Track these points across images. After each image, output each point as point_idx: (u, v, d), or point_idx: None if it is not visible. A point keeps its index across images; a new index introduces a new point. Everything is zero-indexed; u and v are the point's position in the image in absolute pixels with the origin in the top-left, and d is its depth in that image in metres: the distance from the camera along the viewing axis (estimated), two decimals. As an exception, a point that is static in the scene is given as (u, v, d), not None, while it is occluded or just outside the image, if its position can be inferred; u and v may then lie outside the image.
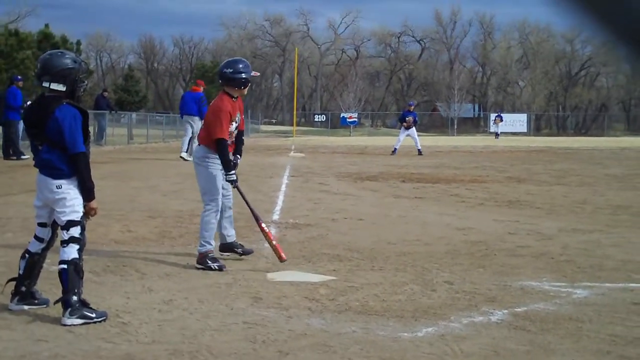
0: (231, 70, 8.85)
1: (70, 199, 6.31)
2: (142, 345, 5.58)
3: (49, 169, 6.35)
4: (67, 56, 6.57)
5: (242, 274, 8.22)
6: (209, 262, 8.49)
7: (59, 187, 6.28)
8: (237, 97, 8.97)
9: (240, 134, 9.17)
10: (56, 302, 6.18)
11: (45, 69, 6.43)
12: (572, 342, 5.80)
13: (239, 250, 9.04)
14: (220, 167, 8.72)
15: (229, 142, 8.79)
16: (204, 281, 7.85)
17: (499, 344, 5.72)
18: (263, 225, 9.05)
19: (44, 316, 6.34)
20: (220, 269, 8.39)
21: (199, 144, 9.11)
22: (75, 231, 6.27)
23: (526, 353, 5.51)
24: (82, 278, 6.25)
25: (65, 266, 6.16)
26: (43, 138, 6.41)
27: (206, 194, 8.86)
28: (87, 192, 6.41)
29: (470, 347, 5.61)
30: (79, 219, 6.32)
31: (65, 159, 6.33)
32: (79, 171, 6.34)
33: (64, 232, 6.28)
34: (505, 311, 6.71)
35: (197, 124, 23.32)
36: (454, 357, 5.38)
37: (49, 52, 6.84)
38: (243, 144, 9.31)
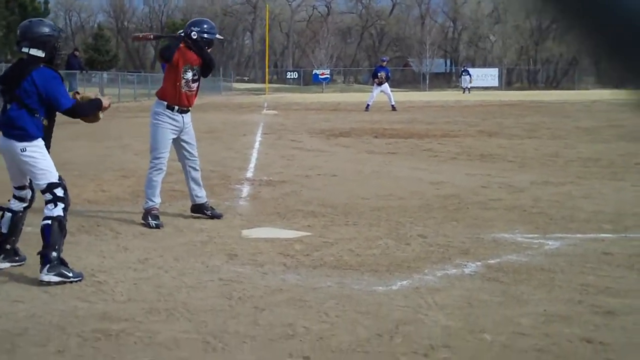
0: (198, 29, 8.82)
1: (38, 163, 6.30)
2: (118, 304, 5.60)
3: (12, 128, 6.33)
4: (46, 24, 6.71)
5: (217, 231, 8.24)
6: (150, 218, 8.53)
7: (23, 150, 6.26)
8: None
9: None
10: (38, 253, 6.17)
11: (25, 35, 6.52)
12: (544, 292, 5.88)
13: (208, 212, 9.01)
14: (169, 125, 8.74)
15: (187, 90, 8.84)
16: (178, 239, 7.86)
17: (473, 295, 5.78)
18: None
19: (20, 277, 6.35)
20: (157, 227, 8.41)
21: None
22: (58, 191, 6.28)
23: (499, 304, 5.58)
24: (64, 236, 6.26)
25: (49, 222, 6.17)
26: (13, 96, 6.40)
27: (151, 151, 8.91)
28: (96, 107, 6.66)
29: (444, 299, 5.67)
30: (57, 180, 6.32)
31: (30, 120, 6.32)
32: (80, 116, 6.45)
33: (47, 194, 6.28)
34: (479, 263, 6.78)
35: None
36: (428, 309, 5.44)
37: (28, 19, 6.94)
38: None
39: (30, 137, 6.30)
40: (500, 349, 4.69)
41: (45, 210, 6.25)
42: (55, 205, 6.23)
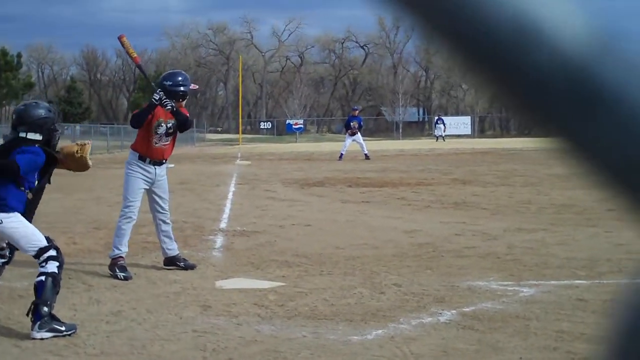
0: (170, 83, 8.87)
1: (19, 232, 6.24)
2: (90, 357, 5.54)
3: None
4: (41, 106, 6.75)
5: (191, 282, 8.18)
6: (117, 270, 8.47)
7: None
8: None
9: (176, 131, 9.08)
10: (28, 313, 6.08)
11: (21, 119, 6.55)
12: (520, 339, 5.86)
13: (181, 264, 8.96)
14: (141, 175, 8.74)
15: (161, 145, 8.85)
16: (151, 291, 7.80)
17: (448, 344, 5.76)
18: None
19: (-10, 331, 6.26)
20: (126, 279, 8.34)
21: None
22: (50, 252, 6.23)
23: (475, 352, 5.55)
24: (57, 293, 6.19)
25: (43, 278, 6.12)
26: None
27: (123, 199, 8.89)
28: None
29: (420, 348, 5.64)
30: (46, 244, 6.26)
31: (14, 192, 6.28)
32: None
33: (39, 258, 6.22)
34: (454, 311, 6.76)
35: None
36: (403, 358, 5.41)
37: (23, 102, 7.02)
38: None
39: (8, 209, 6.24)
40: (476, 397, 4.65)
41: (40, 268, 6.19)
42: (50, 263, 6.18)
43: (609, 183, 0.64)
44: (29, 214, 6.39)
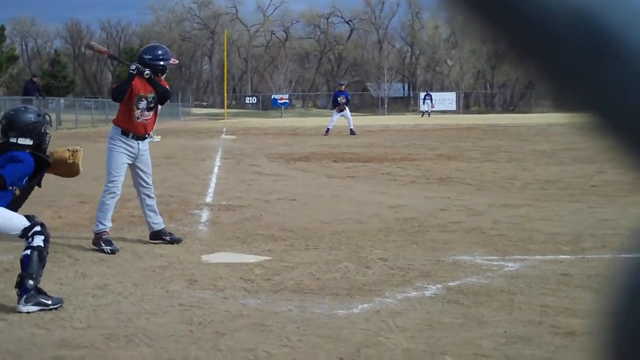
0: (150, 57, 8.83)
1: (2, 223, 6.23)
2: (77, 331, 5.54)
3: None
4: (30, 111, 6.75)
5: (177, 256, 8.18)
6: (102, 244, 8.47)
7: None
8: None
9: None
10: (15, 286, 6.08)
11: (11, 125, 6.54)
12: (504, 313, 5.90)
13: (167, 237, 8.96)
14: (124, 150, 8.73)
15: (143, 119, 8.85)
16: (137, 265, 7.80)
17: (434, 317, 5.79)
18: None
19: (-24, 304, 6.25)
20: (112, 252, 8.35)
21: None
22: (35, 228, 6.21)
23: (460, 326, 5.59)
24: (43, 267, 6.19)
25: (28, 252, 6.11)
26: None
27: (107, 174, 8.87)
28: None
29: (405, 322, 5.67)
30: (30, 223, 6.24)
31: None
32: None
33: (26, 236, 6.21)
34: (439, 285, 6.80)
35: None
36: (389, 332, 5.44)
37: (12, 108, 7.01)
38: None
39: None
40: (461, 371, 4.69)
41: (25, 244, 6.18)
42: (36, 237, 6.17)
43: (619, 135, 0.64)
44: (14, 208, 6.36)
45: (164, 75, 9.07)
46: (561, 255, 8.10)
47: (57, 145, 7.04)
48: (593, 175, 15.86)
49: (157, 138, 27.69)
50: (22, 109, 6.83)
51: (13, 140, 6.46)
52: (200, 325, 5.64)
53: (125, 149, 8.78)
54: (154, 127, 9.42)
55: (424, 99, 77.05)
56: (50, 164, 6.74)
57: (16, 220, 6.25)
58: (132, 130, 8.79)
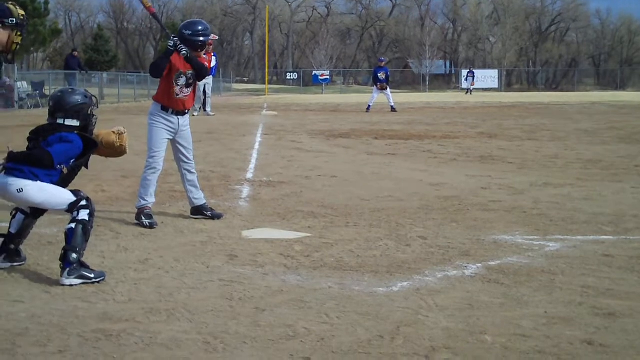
0: (190, 32, 8.79)
1: (42, 197, 6.26)
2: (118, 304, 5.60)
3: (19, 163, 6.26)
4: (78, 92, 6.73)
5: (217, 232, 8.23)
6: (143, 217, 8.56)
7: (20, 190, 6.21)
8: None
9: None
10: (60, 259, 6.16)
11: (58, 106, 6.56)
12: (545, 294, 5.87)
13: (208, 213, 9.01)
14: (164, 126, 8.77)
15: (182, 96, 8.88)
16: (179, 240, 7.86)
17: (473, 297, 5.78)
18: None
19: (20, 277, 6.33)
20: (151, 226, 8.44)
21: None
22: (81, 203, 6.28)
23: (500, 306, 5.57)
24: (87, 241, 6.25)
25: (73, 225, 6.18)
26: (36, 144, 6.42)
27: (148, 150, 8.91)
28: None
29: (445, 301, 5.67)
30: (76, 198, 6.31)
31: (46, 172, 6.29)
32: (30, 156, 6.33)
33: (72, 211, 6.28)
34: (479, 265, 6.78)
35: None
36: (429, 310, 5.44)
37: (59, 89, 6.98)
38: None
39: (33, 178, 6.26)
40: (501, 350, 4.68)
41: (71, 217, 6.26)
42: (81, 211, 6.24)
43: None
44: (62, 186, 6.42)
45: (204, 51, 9.08)
46: (603, 236, 8.04)
47: (100, 121, 7.08)
48: (636, 156, 15.71)
49: (196, 113, 27.94)
50: (70, 90, 6.85)
51: (60, 121, 6.51)
52: (241, 301, 5.68)
53: (166, 125, 8.82)
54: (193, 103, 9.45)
55: (467, 76, 76.68)
56: (97, 146, 6.81)
57: (62, 195, 6.32)
58: (171, 106, 8.83)
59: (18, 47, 7.65)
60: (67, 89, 6.95)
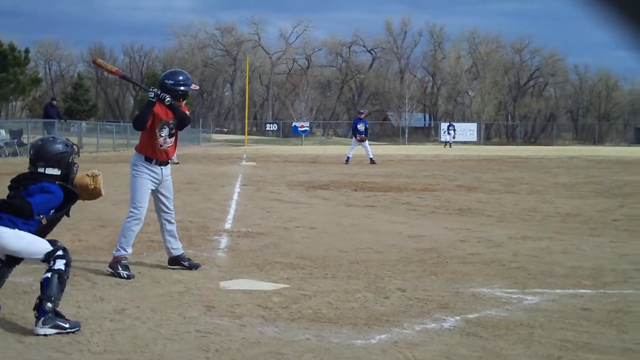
0: (171, 82, 8.84)
1: (19, 245, 6.23)
2: (93, 355, 5.53)
3: None
4: (58, 141, 6.77)
5: (195, 282, 8.18)
6: (120, 268, 8.48)
7: None
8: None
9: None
10: (34, 308, 6.09)
11: (39, 155, 6.58)
12: (523, 347, 5.85)
13: (186, 263, 8.97)
14: (148, 176, 8.75)
15: (165, 146, 8.88)
16: (156, 290, 7.79)
17: (452, 350, 5.75)
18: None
19: (-7, 326, 6.26)
20: (129, 277, 8.36)
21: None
22: (57, 253, 6.24)
23: (478, 359, 5.54)
24: (62, 291, 6.20)
25: (49, 274, 6.13)
26: (17, 193, 6.40)
27: (131, 200, 8.88)
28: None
29: (423, 354, 5.63)
30: (52, 247, 6.27)
31: (24, 221, 6.26)
32: (9, 204, 6.29)
33: (48, 260, 6.22)
34: (458, 317, 6.75)
35: None
36: (407, 363, 5.39)
37: (40, 138, 7.03)
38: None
39: (12, 226, 6.22)
40: (479, 404, 4.64)
41: (47, 267, 6.20)
42: (57, 261, 6.19)
43: None
44: (39, 236, 6.37)
45: (185, 101, 9.09)
46: (581, 290, 8.04)
47: (80, 169, 7.05)
48: (614, 210, 15.78)
49: (175, 159, 27.85)
50: (50, 139, 6.85)
51: (41, 170, 6.50)
52: (217, 352, 5.62)
53: (150, 175, 8.80)
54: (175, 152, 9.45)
55: (447, 129, 77.23)
56: (78, 198, 6.77)
57: (39, 244, 6.27)
58: (155, 156, 8.82)
59: None
60: (48, 137, 6.94)
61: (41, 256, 6.23)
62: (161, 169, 8.87)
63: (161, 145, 8.81)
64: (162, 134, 8.79)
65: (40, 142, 6.72)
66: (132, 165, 8.92)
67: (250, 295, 7.56)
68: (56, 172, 6.51)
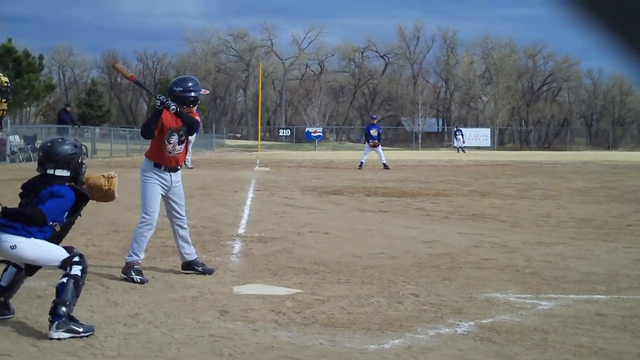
0: (180, 89, 8.83)
1: (35, 253, 6.26)
2: (107, 359, 5.54)
3: (12, 220, 6.25)
4: (67, 142, 6.77)
5: (208, 287, 8.18)
6: (133, 273, 8.49)
7: (13, 247, 6.20)
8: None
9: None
10: (49, 312, 6.12)
11: (48, 156, 6.59)
12: (537, 353, 5.82)
13: (199, 268, 8.98)
14: (157, 182, 8.77)
15: (175, 153, 8.90)
16: (169, 295, 7.80)
17: (465, 355, 5.73)
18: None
19: (8, 330, 6.27)
20: (142, 282, 8.37)
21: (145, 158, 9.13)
22: (74, 259, 6.26)
23: (492, 364, 5.52)
24: (77, 296, 6.22)
25: (65, 279, 6.16)
26: (28, 201, 6.42)
27: (142, 206, 8.90)
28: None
29: (437, 359, 5.62)
30: (68, 255, 6.29)
31: (39, 228, 6.29)
32: (23, 214, 6.31)
33: (65, 267, 6.25)
34: (471, 323, 6.73)
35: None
36: (420, 368, 5.38)
37: (49, 139, 7.00)
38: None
39: (27, 235, 6.25)
40: (493, 410, 4.63)
41: (63, 272, 6.23)
42: (74, 267, 6.22)
43: None
44: (54, 243, 6.40)
45: (195, 107, 9.09)
46: (596, 295, 8.00)
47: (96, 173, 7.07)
48: (629, 215, 15.72)
49: (189, 163, 27.96)
50: (59, 140, 6.85)
51: (50, 171, 6.51)
52: (231, 357, 5.62)
53: (159, 181, 8.82)
54: (185, 157, 9.46)
55: (455, 134, 77.23)
56: (89, 199, 6.78)
57: (56, 252, 6.29)
58: (164, 163, 8.83)
59: (5, 113, 7.63)
60: (56, 139, 6.95)
61: (58, 263, 6.26)
62: (170, 175, 8.89)
63: (170, 152, 8.82)
64: (172, 141, 8.80)
65: (49, 144, 6.73)
66: (142, 171, 8.94)
67: (264, 300, 7.56)
68: (65, 173, 6.52)
